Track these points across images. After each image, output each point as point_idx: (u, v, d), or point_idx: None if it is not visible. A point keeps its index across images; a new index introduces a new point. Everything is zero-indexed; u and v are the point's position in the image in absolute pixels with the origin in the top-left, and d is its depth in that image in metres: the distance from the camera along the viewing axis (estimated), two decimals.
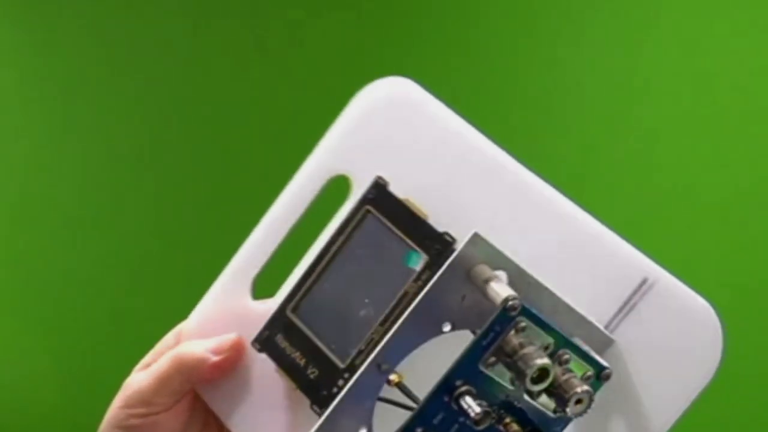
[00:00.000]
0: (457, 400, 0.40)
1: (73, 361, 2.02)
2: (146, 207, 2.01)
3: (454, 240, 0.44)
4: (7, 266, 2.14)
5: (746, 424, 1.60)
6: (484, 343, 0.40)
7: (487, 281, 0.41)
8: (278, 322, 0.48)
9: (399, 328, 0.41)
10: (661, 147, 1.69)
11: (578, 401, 0.40)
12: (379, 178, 0.48)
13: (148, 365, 0.56)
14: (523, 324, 0.40)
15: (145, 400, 0.53)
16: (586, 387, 0.40)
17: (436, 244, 0.44)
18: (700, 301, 0.44)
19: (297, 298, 0.48)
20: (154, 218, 2.01)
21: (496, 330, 0.40)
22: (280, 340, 0.48)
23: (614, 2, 1.72)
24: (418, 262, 0.44)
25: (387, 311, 0.44)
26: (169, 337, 0.58)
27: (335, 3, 1.90)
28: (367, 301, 0.46)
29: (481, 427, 0.40)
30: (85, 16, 2.08)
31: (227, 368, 0.53)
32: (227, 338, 0.54)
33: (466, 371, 0.40)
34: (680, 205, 1.67)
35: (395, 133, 0.51)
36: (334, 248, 0.48)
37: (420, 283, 0.43)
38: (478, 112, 0.56)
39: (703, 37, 1.65)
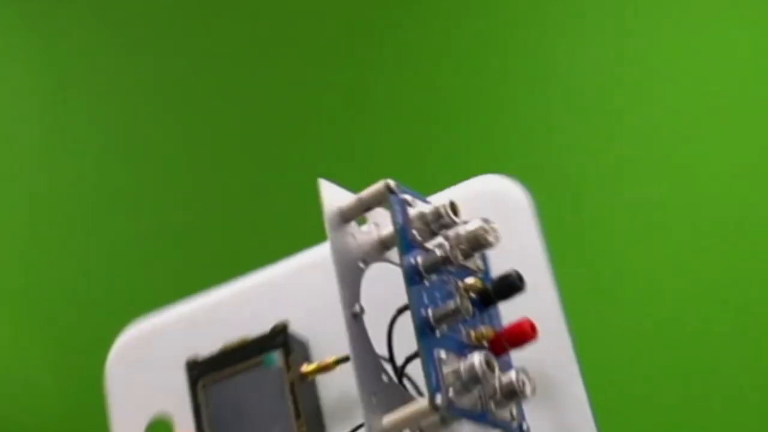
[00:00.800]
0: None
1: (73, 362, 2.01)
2: (148, 207, 2.00)
3: (282, 327, 0.45)
4: (7, 266, 2.13)
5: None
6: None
7: None
8: None
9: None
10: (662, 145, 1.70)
11: None
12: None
13: None
14: None
15: None
16: None
17: (273, 338, 0.45)
18: None
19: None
20: (155, 218, 1.99)
21: None
22: None
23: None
24: (277, 358, 0.45)
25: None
26: None
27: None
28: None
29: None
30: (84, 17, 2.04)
31: None
32: None
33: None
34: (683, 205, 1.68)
35: None
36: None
37: (296, 367, 0.45)
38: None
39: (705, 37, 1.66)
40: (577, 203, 1.64)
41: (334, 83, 1.85)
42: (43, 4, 2.16)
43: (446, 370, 0.43)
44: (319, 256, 0.56)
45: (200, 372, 0.49)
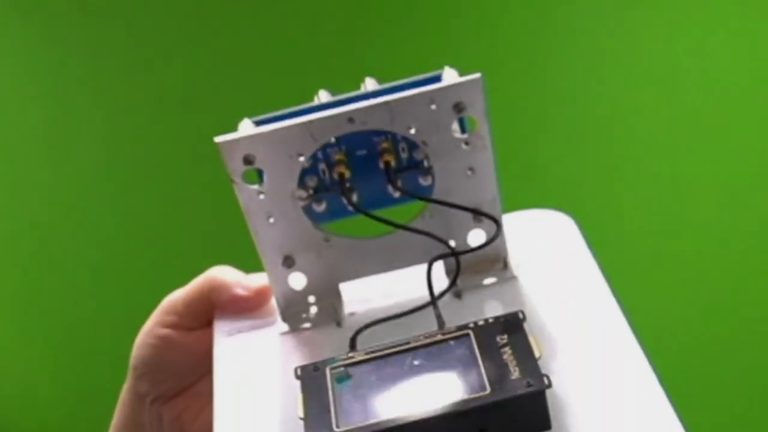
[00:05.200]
0: None
1: (72, 363, 2.01)
2: (149, 207, 2.01)
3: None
4: (7, 266, 2.12)
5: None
6: None
7: None
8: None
9: None
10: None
11: None
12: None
13: None
14: None
15: (171, 309, 0.54)
16: None
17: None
18: None
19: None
20: (156, 218, 2.00)
21: None
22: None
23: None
24: None
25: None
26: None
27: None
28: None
29: None
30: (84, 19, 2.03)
31: (246, 308, 0.53)
32: (258, 282, 0.53)
33: None
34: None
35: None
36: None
37: None
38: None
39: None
40: None
41: None
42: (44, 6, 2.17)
43: None
44: None
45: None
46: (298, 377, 0.44)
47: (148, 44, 2.04)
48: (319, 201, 0.50)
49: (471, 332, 0.44)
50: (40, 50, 2.12)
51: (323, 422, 0.41)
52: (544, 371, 0.41)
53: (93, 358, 2.00)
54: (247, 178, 0.48)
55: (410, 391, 0.42)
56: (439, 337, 0.44)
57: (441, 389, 0.41)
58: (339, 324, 0.50)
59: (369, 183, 0.50)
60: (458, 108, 0.47)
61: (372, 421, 0.40)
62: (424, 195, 0.49)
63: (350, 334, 0.49)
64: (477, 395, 0.40)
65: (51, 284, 2.09)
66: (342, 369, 0.44)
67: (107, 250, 2.05)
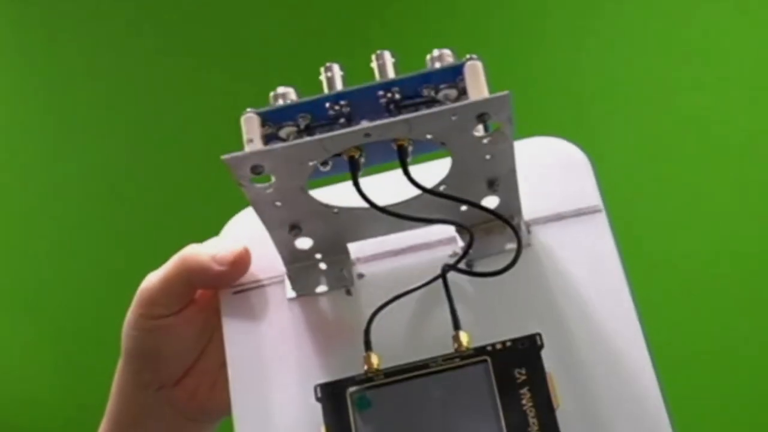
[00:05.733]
0: None
1: (73, 364, 1.93)
2: (150, 208, 1.93)
3: None
4: (7, 266, 2.03)
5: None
6: None
7: None
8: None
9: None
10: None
11: None
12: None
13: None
14: None
15: (152, 300, 0.52)
16: None
17: None
18: None
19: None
20: (158, 219, 1.92)
21: None
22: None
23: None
24: None
25: None
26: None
27: None
28: None
29: None
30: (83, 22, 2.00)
31: (229, 279, 0.52)
32: (233, 250, 0.52)
33: None
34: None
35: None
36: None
37: None
38: None
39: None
40: None
41: None
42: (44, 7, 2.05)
43: None
44: None
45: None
46: (318, 399, 0.45)
47: (148, 44, 1.97)
48: (324, 164, 0.48)
49: (489, 359, 0.44)
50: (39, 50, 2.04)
51: None
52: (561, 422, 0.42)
53: (94, 359, 1.90)
54: (254, 181, 0.45)
55: None
56: (458, 362, 0.44)
57: None
58: (348, 292, 0.50)
59: (380, 155, 0.47)
60: (482, 118, 0.43)
61: None
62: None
63: (360, 303, 0.50)
64: None
65: (51, 285, 2.02)
66: (362, 393, 0.44)
67: (108, 251, 1.93)
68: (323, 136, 0.43)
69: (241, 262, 0.52)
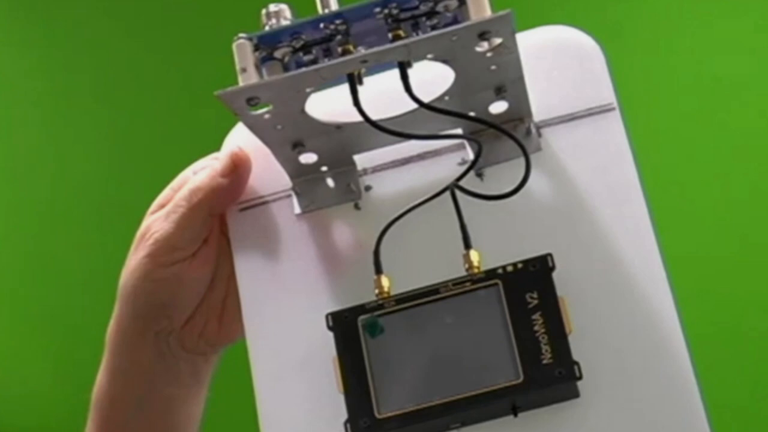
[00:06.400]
0: None
1: (74, 364, 1.85)
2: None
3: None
4: (8, 268, 1.97)
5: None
6: None
7: None
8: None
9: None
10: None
11: None
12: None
13: (162, 206, 0.53)
14: None
15: (172, 245, 0.51)
16: None
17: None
18: None
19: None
20: None
21: None
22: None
23: None
24: None
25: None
26: (186, 172, 0.54)
27: None
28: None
29: None
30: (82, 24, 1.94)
31: (240, 186, 0.51)
32: (228, 154, 0.51)
33: None
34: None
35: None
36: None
37: None
38: None
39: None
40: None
41: None
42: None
43: None
44: None
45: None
46: (330, 328, 0.44)
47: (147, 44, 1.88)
48: None
49: (500, 282, 0.43)
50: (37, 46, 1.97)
51: (365, 409, 0.42)
52: (573, 347, 0.42)
53: (95, 360, 1.82)
54: (252, 109, 0.43)
55: (444, 365, 0.43)
56: (468, 286, 0.44)
57: (475, 367, 0.42)
58: (357, 206, 0.49)
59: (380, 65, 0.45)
60: (484, 36, 0.41)
61: (410, 408, 0.42)
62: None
63: (369, 218, 0.49)
64: (511, 383, 0.42)
65: (52, 286, 1.95)
66: (374, 320, 0.44)
67: (109, 251, 1.80)
68: (319, 66, 0.41)
69: (241, 163, 0.51)
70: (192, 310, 0.52)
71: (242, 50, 0.42)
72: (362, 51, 0.42)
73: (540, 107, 0.49)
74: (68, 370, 1.99)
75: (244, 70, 0.42)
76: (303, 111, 0.44)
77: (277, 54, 0.43)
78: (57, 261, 1.96)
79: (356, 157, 0.49)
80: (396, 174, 0.50)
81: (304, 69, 0.41)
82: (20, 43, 2.04)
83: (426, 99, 0.45)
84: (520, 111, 0.48)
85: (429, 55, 0.42)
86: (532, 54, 0.47)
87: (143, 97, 1.93)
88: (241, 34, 0.43)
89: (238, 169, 0.50)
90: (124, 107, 1.95)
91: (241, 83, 0.42)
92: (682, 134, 1.55)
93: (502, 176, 0.48)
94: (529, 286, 0.43)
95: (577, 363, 0.41)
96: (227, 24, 1.95)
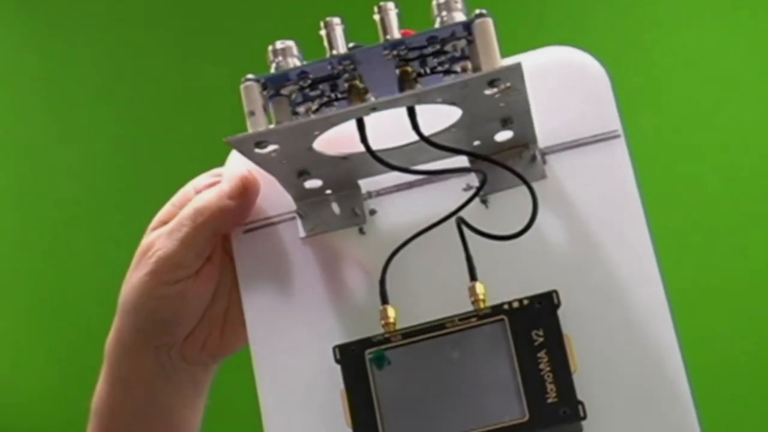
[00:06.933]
0: None
1: (75, 365, 1.81)
2: (152, 205, 1.69)
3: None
4: (10, 268, 1.96)
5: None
6: None
7: None
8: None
9: None
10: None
11: None
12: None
13: (164, 222, 0.53)
14: None
15: (175, 263, 0.51)
16: None
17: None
18: None
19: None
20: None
21: None
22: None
23: None
24: None
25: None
26: (188, 189, 0.54)
27: None
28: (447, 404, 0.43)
29: None
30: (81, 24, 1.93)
31: (247, 208, 0.51)
32: (237, 176, 0.50)
33: None
34: None
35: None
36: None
37: None
38: None
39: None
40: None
41: None
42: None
43: None
44: None
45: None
46: (337, 361, 0.45)
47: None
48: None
49: (506, 318, 0.44)
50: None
51: None
52: (578, 387, 0.42)
53: (99, 364, 1.78)
54: (257, 147, 0.43)
55: (450, 400, 0.44)
56: (474, 321, 0.44)
57: (481, 403, 0.43)
58: (362, 231, 0.49)
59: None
60: (493, 84, 0.41)
61: None
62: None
63: (374, 243, 0.49)
64: (516, 421, 0.42)
65: (56, 289, 1.93)
66: (381, 353, 0.44)
67: (110, 252, 1.75)
68: (329, 115, 0.41)
69: (251, 186, 0.50)
70: (194, 325, 0.52)
71: (250, 93, 0.42)
72: (370, 95, 0.42)
73: (545, 132, 0.49)
74: (73, 374, 2.07)
75: (252, 113, 0.42)
76: (310, 148, 0.44)
77: (284, 91, 0.43)
78: (61, 264, 1.96)
79: (361, 181, 0.50)
80: (401, 198, 0.50)
81: (313, 117, 0.41)
82: (21, 42, 2.03)
83: (433, 125, 0.45)
84: (525, 138, 0.48)
85: (438, 99, 0.42)
86: (538, 76, 0.47)
87: (143, 97, 1.93)
88: (248, 76, 0.42)
89: (247, 191, 0.50)
90: (125, 107, 1.94)
91: (249, 128, 0.42)
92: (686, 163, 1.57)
93: (506, 203, 0.48)
94: (535, 323, 0.44)
95: (581, 402, 0.42)
96: (229, 22, 1.95)
